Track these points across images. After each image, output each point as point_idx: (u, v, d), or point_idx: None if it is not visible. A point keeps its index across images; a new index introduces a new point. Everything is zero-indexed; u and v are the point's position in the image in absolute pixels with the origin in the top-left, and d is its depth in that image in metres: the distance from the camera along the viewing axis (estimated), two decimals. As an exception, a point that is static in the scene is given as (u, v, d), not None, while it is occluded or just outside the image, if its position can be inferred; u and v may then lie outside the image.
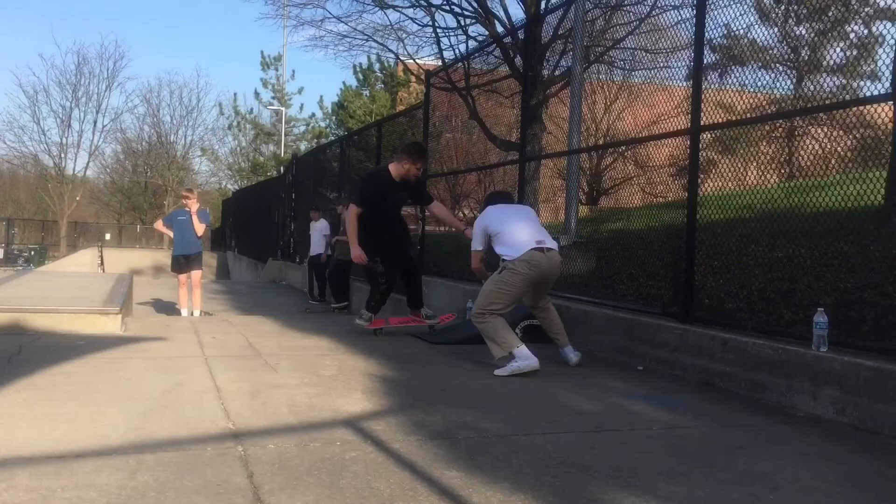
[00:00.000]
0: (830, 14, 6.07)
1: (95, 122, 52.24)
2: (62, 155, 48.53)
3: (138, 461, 3.02)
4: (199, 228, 10.60)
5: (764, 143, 6.23)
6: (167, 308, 12.06)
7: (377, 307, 7.06)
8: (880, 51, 5.98)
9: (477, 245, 5.59)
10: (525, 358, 5.07)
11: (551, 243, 5.40)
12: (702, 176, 5.55)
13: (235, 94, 72.47)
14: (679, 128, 5.86)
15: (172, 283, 12.63)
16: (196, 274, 10.76)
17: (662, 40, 7.52)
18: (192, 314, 10.54)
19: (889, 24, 5.70)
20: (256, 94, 41.12)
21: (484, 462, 3.16)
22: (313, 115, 41.30)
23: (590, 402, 4.40)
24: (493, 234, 5.45)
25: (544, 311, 5.58)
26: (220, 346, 6.09)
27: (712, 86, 5.76)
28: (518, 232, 5.37)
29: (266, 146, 42.07)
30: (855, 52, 6.32)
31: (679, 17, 6.51)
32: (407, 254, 7.01)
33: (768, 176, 5.94)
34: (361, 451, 3.25)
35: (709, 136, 5.71)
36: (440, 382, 4.88)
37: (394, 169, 6.55)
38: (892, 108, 4.80)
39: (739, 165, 5.74)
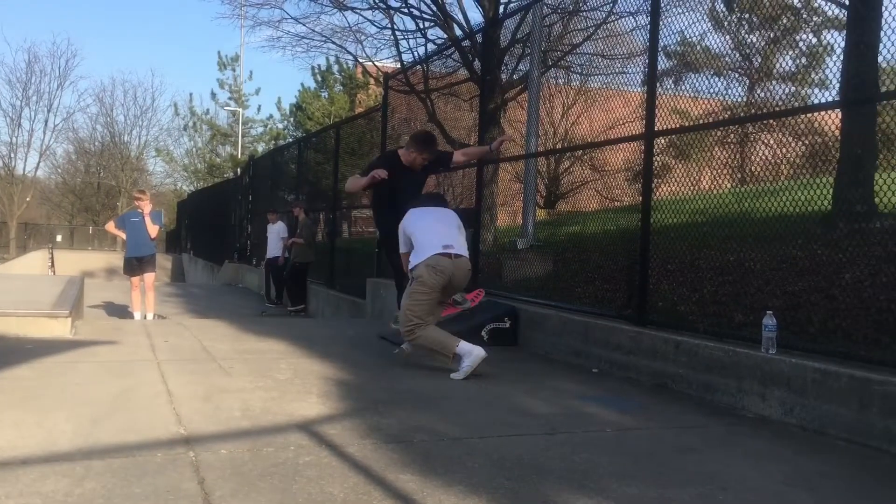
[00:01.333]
0: (782, 23, 6.20)
1: (46, 122, 51.55)
2: (12, 154, 47.53)
3: (86, 467, 2.96)
4: (153, 230, 10.44)
5: (717, 149, 6.35)
6: (119, 311, 11.85)
7: None
8: (829, 60, 6.14)
9: (402, 248, 5.59)
10: (469, 353, 5.07)
11: (461, 250, 5.33)
12: (656, 180, 5.62)
13: (191, 95, 71.75)
14: (634, 133, 5.94)
15: (125, 285, 12.41)
16: (149, 276, 10.59)
17: (619, 46, 7.62)
18: (144, 317, 10.38)
19: (836, 34, 5.86)
20: (213, 95, 40.69)
21: (439, 465, 3.16)
22: (271, 116, 41.00)
23: (545, 405, 4.43)
24: (409, 237, 5.45)
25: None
26: (172, 350, 6.00)
27: (667, 92, 5.85)
28: (427, 236, 5.33)
29: (223, 147, 41.61)
30: (805, 61, 6.48)
31: (635, 24, 6.61)
32: None
33: (721, 181, 6.05)
34: (316, 456, 3.23)
35: (663, 141, 5.79)
36: (397, 385, 4.86)
37: (402, 155, 6.38)
38: (840, 115, 4.93)
39: (693, 170, 5.84)
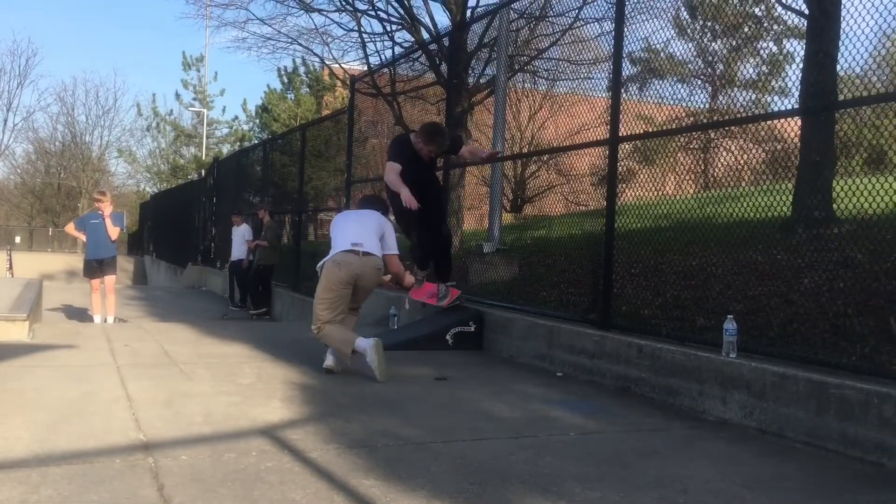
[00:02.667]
0: (744, 31, 6.30)
1: (6, 121, 50.19)
2: (-31, 154, 46.47)
3: (42, 474, 2.90)
4: (113, 232, 10.28)
5: (681, 155, 6.42)
6: (79, 314, 11.64)
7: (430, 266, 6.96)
8: (789, 69, 6.25)
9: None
10: (365, 350, 5.05)
11: (371, 249, 5.32)
12: (621, 185, 5.67)
13: (154, 95, 70.64)
14: (599, 138, 5.98)
15: (85, 288, 12.19)
16: (109, 279, 10.43)
17: (585, 52, 7.68)
18: (105, 321, 10.21)
19: (796, 43, 5.96)
20: (177, 96, 40.31)
21: (402, 470, 3.15)
22: (236, 117, 40.63)
23: (509, 409, 4.44)
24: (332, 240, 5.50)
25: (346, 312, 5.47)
26: (133, 354, 5.91)
27: (632, 98, 5.90)
28: (340, 236, 5.37)
29: (187, 148, 41.12)
30: (766, 69, 6.58)
31: (600, 30, 6.66)
32: (436, 225, 6.81)
33: (685, 186, 6.13)
34: (278, 461, 3.20)
35: (628, 146, 5.84)
36: (361, 390, 4.84)
37: (413, 140, 6.38)
38: (800, 123, 5.02)
39: (657, 176, 5.90)
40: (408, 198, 6.01)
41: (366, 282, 5.32)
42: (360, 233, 5.37)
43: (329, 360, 5.28)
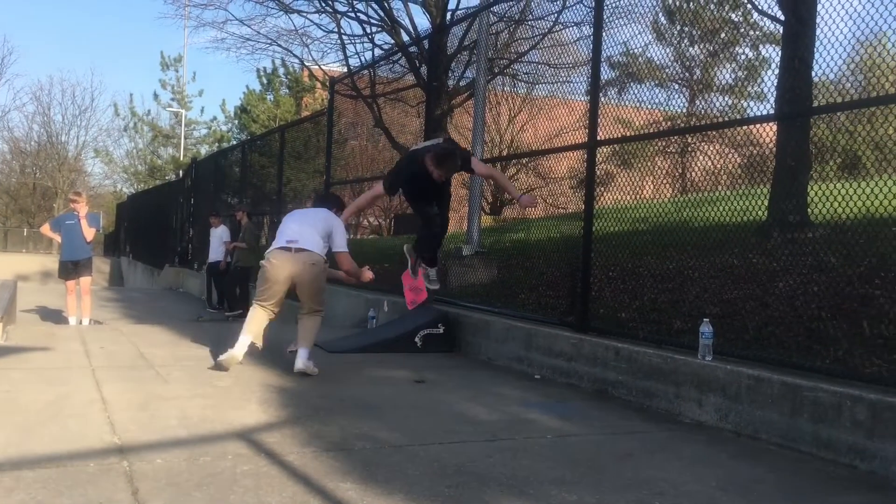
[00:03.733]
0: (721, 37, 6.36)
1: (-20, 121, 49.53)
2: (-58, 153, 45.82)
3: (15, 478, 2.87)
4: (89, 233, 10.17)
5: (659, 158, 6.46)
6: (54, 316, 11.51)
7: (432, 259, 7.00)
8: (765, 74, 6.32)
9: None
10: (234, 346, 5.31)
11: (307, 245, 5.36)
12: (599, 189, 5.70)
13: (132, 95, 70.01)
14: (578, 141, 6.00)
15: (60, 289, 12.05)
16: (85, 280, 10.31)
17: (564, 56, 7.72)
18: (80, 322, 10.09)
19: (773, 49, 6.03)
20: (155, 96, 39.99)
21: (379, 473, 3.14)
22: (215, 118, 40.32)
23: (487, 411, 4.44)
24: None
25: (302, 315, 5.54)
26: (108, 357, 5.85)
27: (611, 101, 5.93)
28: (280, 234, 5.51)
29: (164, 149, 40.81)
30: (743, 74, 6.65)
31: (579, 34, 6.70)
32: (441, 213, 6.84)
33: (662, 190, 6.17)
34: (254, 465, 3.18)
35: (606, 150, 5.87)
36: (339, 392, 4.82)
37: (427, 159, 6.33)
38: (776, 128, 5.07)
39: (635, 179, 5.94)
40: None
41: (303, 277, 5.38)
42: (298, 230, 5.46)
43: (300, 363, 5.28)
